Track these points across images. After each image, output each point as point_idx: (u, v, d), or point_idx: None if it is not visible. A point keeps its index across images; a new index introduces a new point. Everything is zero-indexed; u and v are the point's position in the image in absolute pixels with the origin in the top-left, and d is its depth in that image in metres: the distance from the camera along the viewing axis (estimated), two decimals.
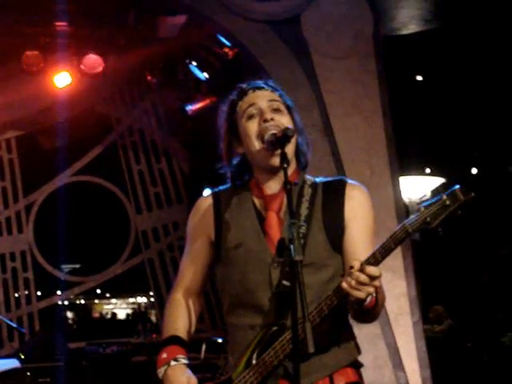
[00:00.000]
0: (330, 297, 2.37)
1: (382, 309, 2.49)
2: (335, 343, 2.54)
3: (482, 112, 9.68)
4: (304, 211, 2.56)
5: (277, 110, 2.59)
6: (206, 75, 7.90)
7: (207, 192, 2.79)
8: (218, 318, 9.03)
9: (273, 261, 2.51)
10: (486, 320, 9.10)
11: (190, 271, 2.73)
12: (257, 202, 2.64)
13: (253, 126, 2.58)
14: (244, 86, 2.69)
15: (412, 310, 6.20)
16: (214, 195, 2.73)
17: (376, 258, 2.27)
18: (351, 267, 2.27)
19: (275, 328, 2.47)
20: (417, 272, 6.29)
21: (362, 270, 2.24)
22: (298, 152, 2.65)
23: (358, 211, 2.60)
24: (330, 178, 2.73)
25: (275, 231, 2.54)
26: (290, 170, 2.57)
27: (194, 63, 7.88)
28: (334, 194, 2.62)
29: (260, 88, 2.66)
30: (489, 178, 10.88)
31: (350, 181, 2.67)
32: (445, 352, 8.23)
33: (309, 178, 2.68)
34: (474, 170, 11.88)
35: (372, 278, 2.24)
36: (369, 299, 2.30)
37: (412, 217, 2.27)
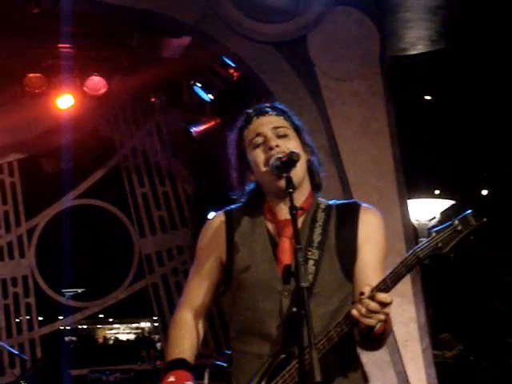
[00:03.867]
0: (340, 324, 2.34)
1: (389, 336, 2.47)
2: (342, 373, 2.50)
3: (492, 132, 9.66)
4: (317, 237, 2.54)
5: (282, 136, 2.59)
6: (210, 96, 7.82)
7: (212, 215, 2.77)
8: (224, 343, 8.91)
9: (283, 289, 2.49)
10: (498, 345, 9.04)
11: (196, 290, 2.69)
12: (270, 226, 2.62)
13: (259, 155, 2.58)
14: (249, 111, 2.69)
15: (421, 336, 6.09)
16: (227, 214, 2.70)
17: (387, 285, 2.26)
18: (361, 293, 2.25)
19: (283, 356, 2.43)
20: (426, 297, 6.20)
21: (372, 297, 2.22)
22: (311, 173, 2.66)
23: (371, 235, 2.58)
24: (343, 201, 2.70)
25: (288, 257, 2.48)
26: (305, 194, 2.61)
27: (199, 84, 7.82)
28: (347, 218, 2.60)
29: (265, 113, 2.65)
30: (499, 200, 10.84)
31: (363, 204, 2.67)
32: (456, 378, 8.14)
33: (322, 201, 2.66)
34: (485, 192, 11.84)
35: (383, 304, 2.22)
36: (378, 326, 2.28)
37: (423, 242, 2.26)
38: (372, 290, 2.24)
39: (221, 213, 2.74)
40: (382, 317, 2.23)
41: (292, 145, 2.58)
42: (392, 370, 5.95)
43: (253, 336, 2.54)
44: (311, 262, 2.50)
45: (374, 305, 2.21)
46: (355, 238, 2.57)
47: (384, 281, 2.26)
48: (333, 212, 2.62)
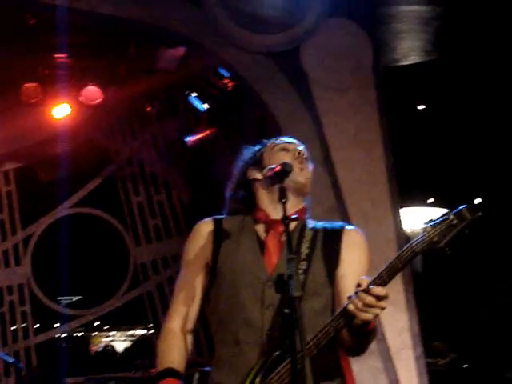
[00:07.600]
0: (336, 319, 2.35)
1: (375, 337, 2.48)
2: (332, 377, 2.53)
3: (485, 141, 9.66)
4: (305, 250, 2.59)
5: (306, 159, 2.74)
6: (205, 106, 7.83)
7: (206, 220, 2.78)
8: None
9: (267, 279, 2.53)
10: (491, 354, 9.00)
11: (185, 298, 2.68)
12: (259, 227, 2.67)
13: (285, 157, 2.66)
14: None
15: (414, 344, 6.10)
16: (216, 221, 2.72)
17: (382, 279, 2.26)
18: (358, 285, 2.26)
19: (278, 353, 2.43)
20: (419, 306, 6.20)
21: (367, 291, 2.23)
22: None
23: (354, 254, 2.64)
24: (329, 224, 2.76)
25: (274, 248, 2.58)
26: (300, 205, 2.69)
27: (194, 94, 7.83)
28: (332, 239, 2.66)
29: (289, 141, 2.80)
30: (492, 209, 10.81)
31: (347, 226, 2.72)
32: None
33: (310, 221, 2.72)
34: (478, 200, 11.82)
35: (379, 298, 2.23)
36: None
37: (419, 237, 2.25)
38: (368, 284, 2.25)
39: (209, 220, 2.75)
40: (378, 311, 2.25)
41: (310, 169, 2.74)
42: (385, 378, 5.96)
43: (231, 323, 2.56)
44: (300, 271, 2.53)
45: (370, 299, 2.22)
46: (338, 254, 2.63)
47: (380, 275, 2.27)
48: (320, 233, 2.67)
